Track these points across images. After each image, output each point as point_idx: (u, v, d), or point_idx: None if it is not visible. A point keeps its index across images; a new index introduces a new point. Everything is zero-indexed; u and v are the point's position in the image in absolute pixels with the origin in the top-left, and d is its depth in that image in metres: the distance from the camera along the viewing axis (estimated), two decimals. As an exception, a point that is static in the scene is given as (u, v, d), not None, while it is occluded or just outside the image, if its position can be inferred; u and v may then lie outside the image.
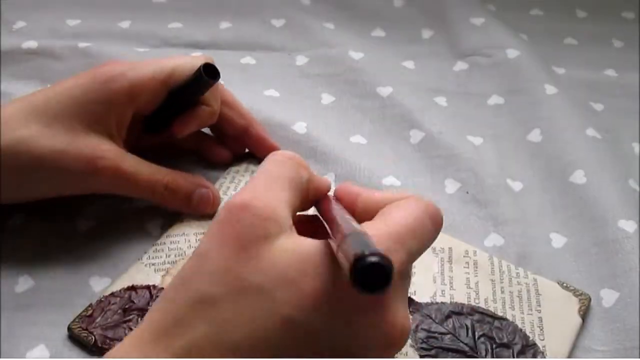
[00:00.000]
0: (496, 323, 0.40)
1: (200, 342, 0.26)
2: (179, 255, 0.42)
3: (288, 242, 0.28)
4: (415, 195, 0.32)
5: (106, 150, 0.42)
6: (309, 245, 0.28)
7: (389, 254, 0.26)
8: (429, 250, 0.43)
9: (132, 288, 0.40)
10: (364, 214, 0.32)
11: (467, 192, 0.49)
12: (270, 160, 0.32)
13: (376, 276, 0.22)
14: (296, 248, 0.28)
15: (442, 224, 0.31)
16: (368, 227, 0.29)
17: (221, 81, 0.45)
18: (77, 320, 0.39)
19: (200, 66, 0.43)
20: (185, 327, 0.27)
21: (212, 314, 0.27)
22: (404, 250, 0.29)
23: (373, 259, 0.22)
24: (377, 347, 0.28)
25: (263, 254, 0.27)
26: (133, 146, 0.46)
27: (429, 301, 0.41)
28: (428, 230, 0.30)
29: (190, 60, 0.44)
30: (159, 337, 0.27)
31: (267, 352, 0.27)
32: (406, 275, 0.31)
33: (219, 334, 0.26)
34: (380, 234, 0.28)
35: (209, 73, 0.43)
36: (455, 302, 0.41)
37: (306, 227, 0.32)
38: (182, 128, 0.45)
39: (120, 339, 0.37)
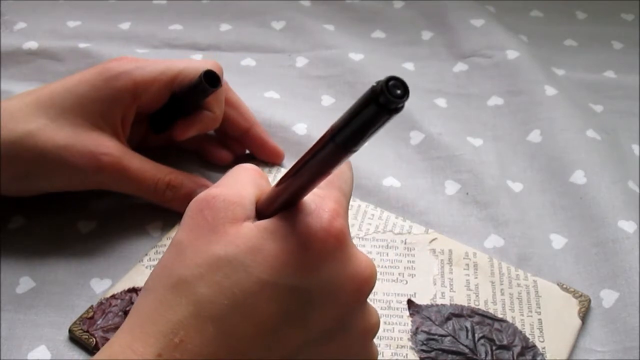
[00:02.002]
0: (496, 325, 0.40)
1: (185, 321, 0.27)
2: (179, 257, 0.42)
3: (252, 223, 0.29)
4: None
5: (110, 146, 0.42)
6: (268, 219, 0.29)
7: (327, 197, 0.30)
8: (429, 252, 0.43)
9: (133, 290, 0.41)
10: None
11: (467, 194, 0.49)
12: (233, 168, 0.33)
13: (397, 92, 0.22)
14: (258, 223, 0.29)
15: (351, 163, 0.33)
16: None
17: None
18: (78, 322, 0.39)
19: (202, 73, 0.43)
20: (167, 310, 0.27)
21: (192, 293, 0.27)
22: (337, 190, 0.30)
23: (391, 81, 0.22)
24: (352, 284, 0.29)
25: (230, 231, 0.28)
26: (137, 145, 0.46)
27: (429, 303, 0.41)
28: (345, 170, 0.32)
29: (198, 65, 0.44)
30: (144, 324, 0.28)
31: (253, 317, 0.27)
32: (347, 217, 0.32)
33: (202, 310, 0.27)
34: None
35: (210, 80, 0.43)
36: (455, 304, 0.41)
37: None
38: (183, 132, 0.46)
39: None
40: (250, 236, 0.28)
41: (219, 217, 0.29)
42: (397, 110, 0.22)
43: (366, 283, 0.30)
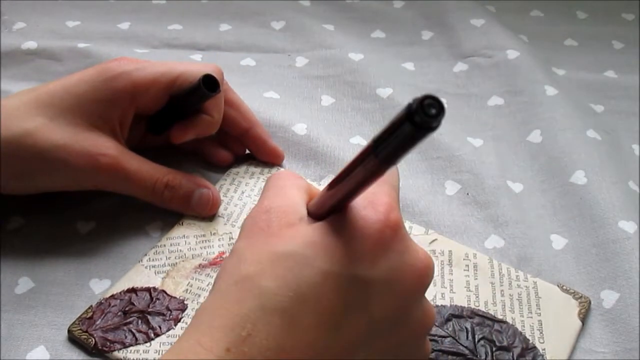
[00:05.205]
0: (496, 326, 0.39)
1: (251, 314, 0.27)
2: (179, 258, 0.42)
3: (308, 224, 0.31)
4: None
5: (108, 147, 0.42)
6: (324, 220, 0.30)
7: (379, 192, 0.31)
8: (429, 252, 0.43)
9: (133, 290, 0.40)
10: None
11: (468, 194, 0.49)
12: (272, 177, 0.34)
13: (430, 112, 0.22)
14: (314, 224, 0.30)
15: None
16: None
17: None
18: (77, 322, 0.39)
19: (200, 77, 0.42)
20: (233, 304, 0.28)
21: (256, 287, 0.28)
22: (388, 185, 0.32)
23: (426, 100, 0.22)
24: (412, 274, 0.30)
25: (287, 232, 0.30)
26: (135, 145, 0.46)
27: (429, 303, 0.41)
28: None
29: (198, 69, 0.44)
30: (210, 319, 0.28)
31: (317, 308, 0.28)
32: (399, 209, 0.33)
33: (268, 302, 0.28)
34: None
35: (209, 85, 0.43)
36: (455, 305, 0.41)
37: None
38: (180, 135, 0.46)
39: (120, 342, 0.37)
40: (308, 233, 0.29)
41: (273, 225, 0.30)
42: (433, 128, 0.22)
43: (425, 274, 0.31)
